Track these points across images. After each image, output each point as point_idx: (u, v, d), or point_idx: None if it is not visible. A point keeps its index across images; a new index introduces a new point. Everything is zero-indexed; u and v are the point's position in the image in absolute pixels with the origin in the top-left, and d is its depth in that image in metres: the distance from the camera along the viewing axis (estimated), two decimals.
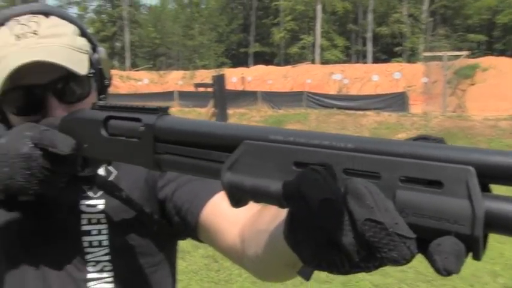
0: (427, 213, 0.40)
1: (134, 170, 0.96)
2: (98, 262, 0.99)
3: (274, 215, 0.72)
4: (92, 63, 0.97)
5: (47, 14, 0.94)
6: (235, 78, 31.24)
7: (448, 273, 0.38)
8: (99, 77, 1.00)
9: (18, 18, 0.92)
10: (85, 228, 0.99)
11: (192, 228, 0.97)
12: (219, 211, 0.91)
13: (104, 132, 0.74)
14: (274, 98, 22.40)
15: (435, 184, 0.40)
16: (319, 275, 4.15)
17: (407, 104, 19.48)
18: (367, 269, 0.44)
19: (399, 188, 0.41)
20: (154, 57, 58.23)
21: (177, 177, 1.01)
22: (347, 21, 51.16)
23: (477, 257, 0.39)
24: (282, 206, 0.48)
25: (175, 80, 40.26)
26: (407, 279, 4.55)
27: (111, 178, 1.02)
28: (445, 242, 0.38)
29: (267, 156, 0.50)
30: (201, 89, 26.82)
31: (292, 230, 0.47)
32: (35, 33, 0.89)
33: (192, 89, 29.48)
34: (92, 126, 0.75)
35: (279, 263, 0.74)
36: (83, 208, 0.99)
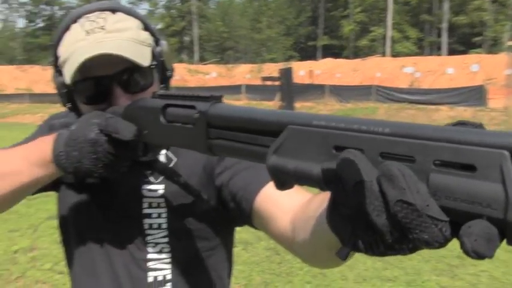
0: (459, 196, 0.40)
1: (193, 157, 1.03)
2: (157, 244, 1.06)
3: (322, 201, 0.72)
4: (155, 56, 1.03)
5: (113, 10, 1.00)
6: (303, 71, 31.02)
7: (477, 255, 0.39)
8: (161, 68, 1.06)
9: (88, 15, 0.99)
10: (146, 211, 1.05)
11: (246, 215, 0.99)
12: (271, 199, 0.93)
13: (162, 119, 0.79)
14: (342, 92, 22.08)
15: (468, 168, 0.40)
16: (383, 273, 4.01)
17: (485, 98, 18.44)
18: (402, 251, 0.45)
19: (433, 172, 0.42)
20: (222, 51, 59.08)
21: (233, 165, 1.03)
22: (420, 12, 49.34)
23: (511, 242, 0.39)
24: (322, 188, 0.50)
25: (243, 73, 40.59)
26: (480, 284, 4.17)
27: (171, 165, 1.07)
28: (476, 224, 0.39)
29: (310, 141, 0.52)
30: (269, 83, 26.85)
31: (332, 212, 0.50)
32: (102, 29, 0.95)
33: (259, 82, 29.57)
34: (151, 114, 0.80)
35: (323, 246, 0.74)
36: (145, 192, 1.06)
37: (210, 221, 1.09)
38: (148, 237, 1.06)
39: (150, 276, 1.06)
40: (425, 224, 0.41)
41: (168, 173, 1.04)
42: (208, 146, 0.70)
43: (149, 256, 1.07)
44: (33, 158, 0.92)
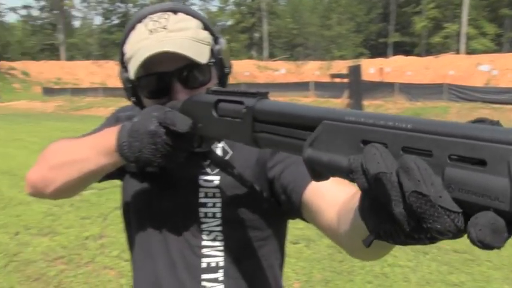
0: (471, 189, 0.42)
1: (247, 151, 1.06)
2: (211, 232, 1.10)
3: None
4: (213, 53, 1.07)
5: (175, 11, 1.06)
6: (372, 69, 30.64)
7: (483, 245, 0.40)
8: (219, 65, 1.09)
9: (152, 15, 1.04)
10: (202, 200, 1.09)
11: (296, 208, 1.01)
12: (319, 192, 0.95)
13: (214, 113, 0.83)
14: (412, 90, 21.51)
15: (480, 163, 0.42)
16: (448, 277, 4.06)
17: None
18: (421, 241, 0.47)
19: (448, 166, 0.44)
20: (291, 48, 58.96)
21: (284, 159, 1.06)
22: (500, 6, 47.01)
23: (510, 234, 0.40)
24: (351, 180, 0.52)
25: (312, 70, 40.45)
26: None
27: (227, 157, 1.11)
28: (482, 215, 0.41)
29: (341, 135, 0.55)
30: (337, 80, 26.74)
31: (361, 202, 0.53)
32: (164, 28, 1.00)
33: (328, 79, 29.51)
34: (205, 108, 0.85)
35: (359, 237, 0.82)
36: (201, 182, 1.10)
37: (263, 212, 1.12)
38: (203, 225, 1.10)
39: (204, 262, 1.11)
40: (438, 214, 0.43)
41: (223, 165, 1.09)
42: (253, 139, 0.75)
43: (203, 243, 1.10)
44: (100, 147, 0.98)
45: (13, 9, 68.57)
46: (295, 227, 4.90)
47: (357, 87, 15.62)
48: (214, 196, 1.09)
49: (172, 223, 1.12)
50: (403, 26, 53.12)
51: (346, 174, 0.52)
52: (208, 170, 1.11)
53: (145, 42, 0.99)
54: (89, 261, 4.28)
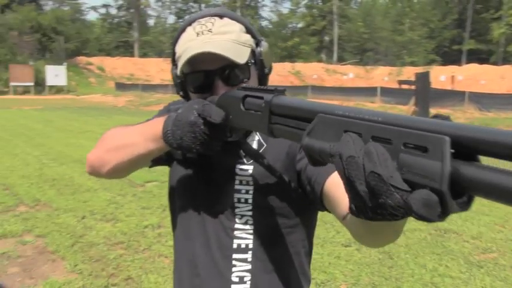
0: (416, 171, 0.50)
1: (279, 144, 1.16)
2: (242, 216, 1.17)
3: None
4: (255, 55, 1.15)
5: (221, 16, 1.13)
6: (443, 76, 29.84)
7: (419, 216, 0.50)
8: (260, 66, 1.16)
9: (200, 20, 1.13)
10: (236, 187, 1.17)
11: (318, 197, 1.07)
12: (337, 183, 0.98)
13: (242, 107, 0.92)
14: (483, 100, 20.59)
15: (424, 149, 0.50)
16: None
17: None
18: (385, 217, 0.55)
19: (402, 152, 0.52)
20: (361, 52, 58.02)
21: None
22: None
23: (445, 209, 0.48)
24: (332, 162, 0.61)
25: (382, 75, 39.77)
26: None
27: (261, 150, 1.19)
28: (418, 192, 0.49)
29: (331, 126, 0.64)
30: (405, 86, 26.35)
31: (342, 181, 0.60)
32: (209, 31, 1.08)
33: (396, 85, 29.08)
34: (235, 103, 0.94)
35: (365, 229, 0.88)
36: (237, 171, 1.18)
37: (291, 201, 1.18)
38: (237, 210, 1.17)
39: (235, 243, 1.18)
40: (389, 191, 0.51)
41: (257, 156, 1.16)
42: (270, 129, 0.84)
43: (236, 226, 1.17)
44: (148, 134, 1.07)
45: (94, 8, 72.24)
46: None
47: (424, 94, 15.39)
48: (247, 184, 1.17)
49: (210, 206, 1.20)
50: (479, 33, 50.93)
51: (329, 157, 0.62)
52: (244, 160, 1.18)
53: (192, 43, 1.08)
54: (145, 248, 4.54)
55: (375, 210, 0.55)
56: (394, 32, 54.29)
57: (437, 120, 0.52)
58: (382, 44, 55.08)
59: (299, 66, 47.48)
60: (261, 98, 0.86)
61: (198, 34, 1.09)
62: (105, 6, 60.86)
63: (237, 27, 1.13)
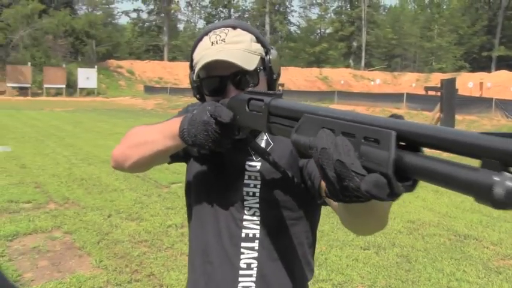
0: (371, 159, 0.61)
1: (284, 144, 1.24)
2: (250, 208, 1.26)
3: None
4: (264, 62, 1.24)
5: (235, 27, 1.23)
6: (471, 83, 29.42)
7: (370, 195, 0.60)
8: (269, 72, 1.25)
9: (215, 30, 1.23)
10: (246, 181, 1.26)
11: (317, 191, 1.15)
12: None
13: (247, 109, 1.02)
14: (510, 107, 20.21)
15: (377, 141, 0.61)
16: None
17: None
18: (350, 198, 0.67)
19: (362, 144, 0.64)
20: (389, 58, 57.55)
21: None
22: None
23: (392, 189, 0.59)
24: (312, 154, 0.72)
25: (409, 82, 39.35)
26: None
27: (269, 148, 1.28)
28: (371, 175, 0.60)
29: (313, 124, 0.75)
30: (432, 93, 26.10)
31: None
32: (223, 41, 1.18)
33: (423, 92, 28.82)
34: (242, 105, 1.03)
35: (348, 213, 0.97)
36: (247, 167, 1.27)
37: (294, 195, 1.26)
38: (245, 202, 1.26)
39: (243, 233, 1.26)
40: (351, 176, 0.62)
41: (263, 154, 1.23)
42: (268, 128, 0.94)
43: (245, 217, 1.26)
44: (167, 132, 1.16)
45: (126, 13, 73.32)
46: None
47: (450, 101, 15.19)
48: (255, 179, 1.26)
49: (222, 199, 1.29)
50: (509, 40, 50.08)
51: (309, 150, 0.73)
52: (254, 157, 1.28)
53: (207, 51, 1.18)
54: (168, 247, 4.65)
55: (343, 192, 0.66)
56: (422, 38, 53.85)
57: (390, 118, 0.64)
58: (410, 50, 54.59)
59: (327, 71, 47.44)
60: (262, 100, 0.96)
61: (212, 43, 1.19)
62: (136, 10, 61.55)
63: (248, 37, 1.22)
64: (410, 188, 0.61)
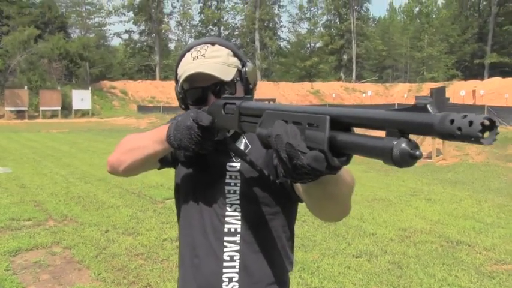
0: (313, 140, 0.76)
1: (261, 145, 1.32)
2: (232, 204, 1.37)
3: None
4: (241, 74, 1.37)
5: (213, 43, 1.36)
6: (463, 91, 29.60)
7: (311, 168, 0.74)
8: (245, 82, 1.38)
9: (196, 47, 1.36)
10: (227, 180, 1.37)
11: (289, 186, 1.28)
12: None
13: (223, 112, 1.14)
14: (503, 114, 20.15)
15: (316, 126, 0.76)
16: None
17: None
18: (301, 176, 0.80)
19: (306, 129, 0.78)
20: (380, 70, 57.73)
21: None
22: None
23: (329, 162, 0.74)
24: (270, 141, 0.85)
25: (401, 92, 39.48)
26: None
27: (247, 150, 1.39)
28: (311, 151, 0.75)
29: (271, 118, 0.89)
30: None
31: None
32: (203, 56, 1.32)
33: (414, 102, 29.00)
34: (218, 109, 1.15)
35: (309, 198, 1.08)
36: (228, 167, 1.38)
37: (271, 192, 1.37)
38: (227, 199, 1.37)
39: (226, 228, 1.37)
40: (297, 154, 0.76)
41: (242, 155, 1.34)
42: (239, 126, 1.06)
43: (227, 213, 1.37)
44: (156, 138, 1.29)
45: (117, 34, 73.41)
46: (360, 242, 5.29)
47: (441, 110, 15.28)
48: (236, 178, 1.37)
49: (206, 197, 1.40)
50: (502, 46, 50.27)
51: (268, 138, 0.86)
52: (234, 159, 1.39)
53: (189, 65, 1.31)
54: (164, 259, 4.78)
55: (294, 170, 0.78)
56: (412, 49, 54.04)
57: (327, 107, 0.80)
58: (401, 60, 54.79)
59: (318, 85, 47.68)
60: (234, 104, 1.10)
61: (194, 58, 1.32)
62: (127, 32, 61.76)
63: (225, 52, 1.36)
64: (345, 162, 0.76)
